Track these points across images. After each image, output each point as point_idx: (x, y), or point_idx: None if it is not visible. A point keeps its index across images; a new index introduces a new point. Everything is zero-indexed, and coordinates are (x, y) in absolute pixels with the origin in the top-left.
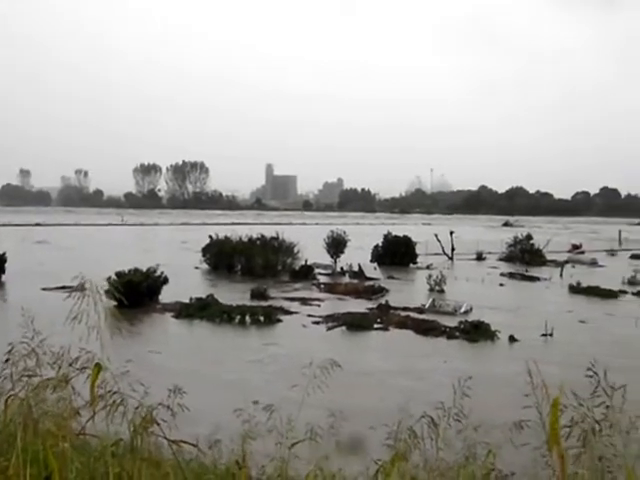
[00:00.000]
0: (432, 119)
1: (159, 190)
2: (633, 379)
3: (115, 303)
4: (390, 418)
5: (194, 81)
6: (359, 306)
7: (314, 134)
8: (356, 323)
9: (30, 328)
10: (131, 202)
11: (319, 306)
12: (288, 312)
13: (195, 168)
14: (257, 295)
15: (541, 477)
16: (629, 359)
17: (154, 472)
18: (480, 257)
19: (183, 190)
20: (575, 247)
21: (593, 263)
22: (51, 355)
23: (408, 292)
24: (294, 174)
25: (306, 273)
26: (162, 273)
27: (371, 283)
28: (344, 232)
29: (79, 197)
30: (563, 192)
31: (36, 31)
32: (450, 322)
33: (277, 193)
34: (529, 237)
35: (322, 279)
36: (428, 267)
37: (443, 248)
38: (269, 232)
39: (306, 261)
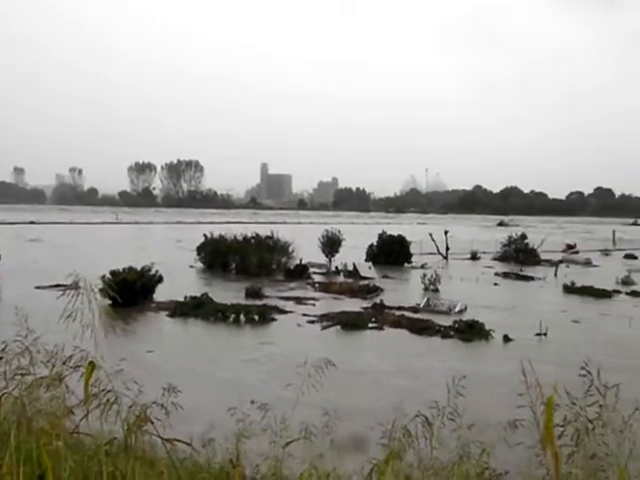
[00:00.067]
0: (430, 119)
1: (154, 189)
2: (626, 378)
3: (109, 302)
4: (384, 417)
5: (193, 81)
6: (354, 305)
7: (311, 134)
8: (351, 322)
9: (24, 326)
10: (126, 200)
11: (314, 305)
12: (283, 311)
13: (190, 167)
14: (252, 294)
15: (535, 476)
16: (623, 359)
17: (148, 471)
18: (475, 256)
19: (178, 189)
20: (569, 247)
21: (587, 263)
22: (45, 353)
23: (403, 291)
24: (289, 173)
25: (301, 272)
26: (157, 272)
27: (366, 282)
28: (339, 231)
29: (73, 195)
30: (558, 192)
31: (36, 31)
32: (445, 321)
33: (272, 192)
34: (523, 237)
35: (317, 278)
36: (423, 266)
37: (438, 247)
38: (264, 231)
39: (301, 260)
